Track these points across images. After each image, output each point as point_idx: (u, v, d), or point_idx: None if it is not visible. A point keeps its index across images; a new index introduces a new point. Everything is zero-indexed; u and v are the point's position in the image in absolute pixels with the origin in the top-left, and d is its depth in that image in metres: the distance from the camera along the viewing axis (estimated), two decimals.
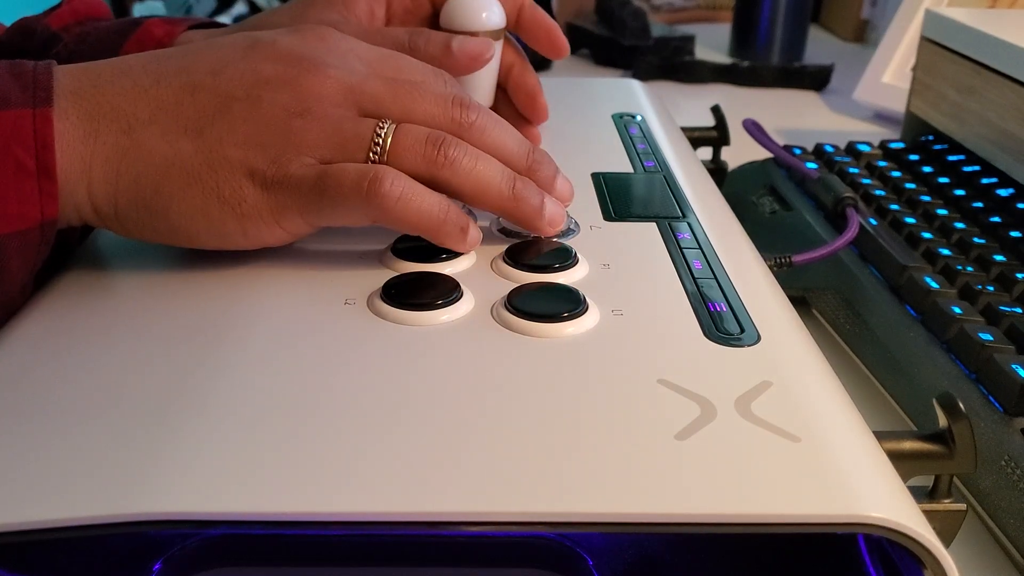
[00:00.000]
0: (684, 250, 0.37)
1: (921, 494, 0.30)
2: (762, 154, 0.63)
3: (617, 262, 0.36)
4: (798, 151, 0.65)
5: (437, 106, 0.34)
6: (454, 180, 0.33)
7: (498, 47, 0.46)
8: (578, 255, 0.35)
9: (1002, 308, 0.43)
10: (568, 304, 0.31)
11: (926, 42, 0.67)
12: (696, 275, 0.35)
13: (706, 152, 0.61)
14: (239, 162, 0.32)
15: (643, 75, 1.01)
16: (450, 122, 0.34)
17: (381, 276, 0.33)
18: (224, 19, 1.07)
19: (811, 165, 0.60)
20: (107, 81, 0.32)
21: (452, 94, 0.35)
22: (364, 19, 0.45)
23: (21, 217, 0.30)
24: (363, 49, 0.35)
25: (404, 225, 0.33)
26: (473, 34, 0.44)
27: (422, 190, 0.32)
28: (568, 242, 0.37)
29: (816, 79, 1.00)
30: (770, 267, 0.39)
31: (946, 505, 0.30)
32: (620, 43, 1.07)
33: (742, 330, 0.31)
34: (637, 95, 0.61)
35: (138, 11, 1.07)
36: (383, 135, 0.33)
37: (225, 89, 0.32)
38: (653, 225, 0.39)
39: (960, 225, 0.52)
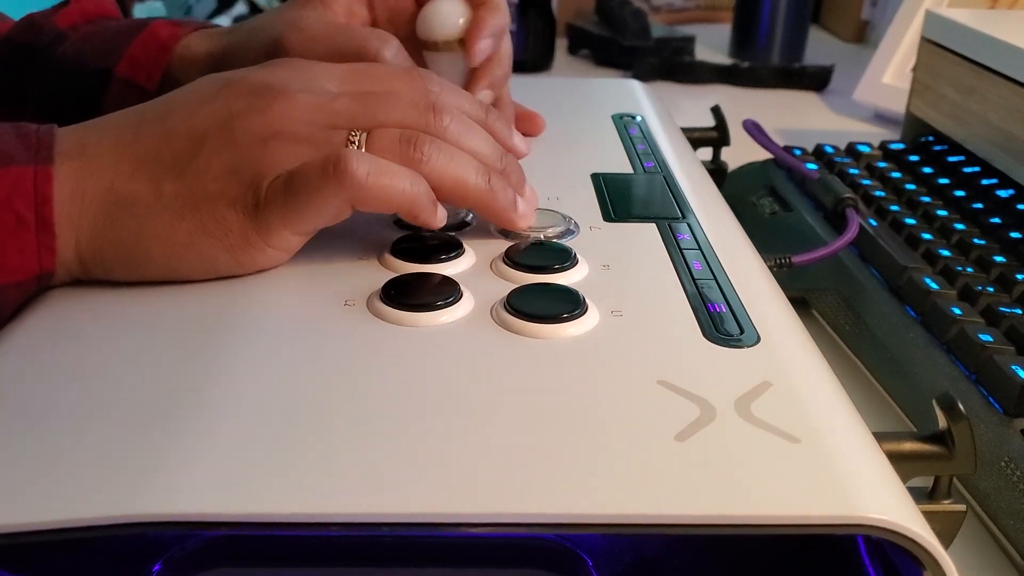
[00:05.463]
0: (684, 251, 0.37)
1: (921, 495, 0.30)
2: (762, 155, 0.63)
3: (617, 263, 0.36)
4: (798, 152, 0.65)
5: (409, 113, 0.35)
6: (432, 176, 0.33)
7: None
8: (578, 256, 0.35)
9: (1002, 309, 0.43)
10: (568, 305, 0.31)
11: (926, 43, 0.67)
12: (696, 276, 0.35)
13: (706, 153, 0.61)
14: (218, 194, 0.32)
15: (643, 75, 1.01)
16: (424, 128, 0.34)
17: (380, 277, 0.33)
18: (224, 19, 1.07)
19: (811, 166, 0.60)
20: (92, 142, 0.33)
21: (424, 101, 0.35)
22: (342, 17, 0.45)
23: (20, 269, 0.31)
24: (334, 69, 0.36)
25: (380, 203, 0.33)
26: (451, 42, 0.44)
27: (389, 165, 0.33)
28: (568, 243, 0.37)
29: (816, 80, 1.00)
30: (770, 268, 0.39)
31: (946, 506, 0.30)
32: (620, 43, 1.07)
33: (742, 331, 0.31)
34: (637, 95, 0.61)
35: (138, 12, 1.07)
36: (357, 143, 0.33)
37: (199, 130, 0.33)
38: (653, 226, 0.39)
39: (960, 226, 0.52)
